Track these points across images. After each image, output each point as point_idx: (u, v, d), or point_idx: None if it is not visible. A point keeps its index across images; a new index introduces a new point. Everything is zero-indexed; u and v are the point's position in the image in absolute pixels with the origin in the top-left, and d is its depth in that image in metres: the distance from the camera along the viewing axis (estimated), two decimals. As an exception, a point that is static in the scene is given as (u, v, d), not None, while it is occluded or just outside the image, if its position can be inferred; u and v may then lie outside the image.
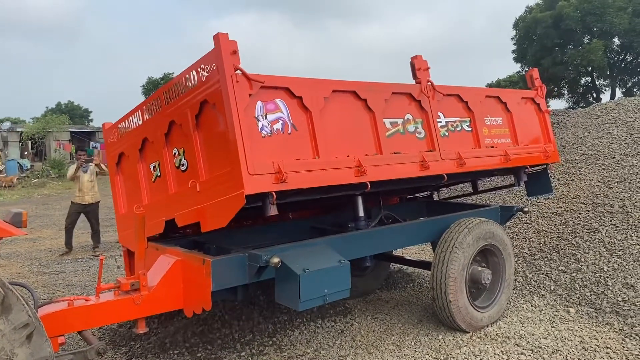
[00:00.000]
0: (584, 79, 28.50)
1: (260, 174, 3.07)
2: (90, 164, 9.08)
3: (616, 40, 25.48)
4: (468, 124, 4.58)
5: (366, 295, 5.76)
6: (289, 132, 3.33)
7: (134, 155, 4.17)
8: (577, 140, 9.16)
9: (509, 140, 4.93)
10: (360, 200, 4.82)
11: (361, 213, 4.82)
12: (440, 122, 4.32)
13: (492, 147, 4.70)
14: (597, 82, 28.60)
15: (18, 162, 30.32)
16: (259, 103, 3.21)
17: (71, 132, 36.37)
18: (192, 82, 3.36)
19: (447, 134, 4.35)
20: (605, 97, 28.98)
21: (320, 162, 3.39)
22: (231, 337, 4.57)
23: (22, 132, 33.55)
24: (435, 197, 6.66)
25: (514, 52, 27.93)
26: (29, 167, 31.04)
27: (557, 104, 38.28)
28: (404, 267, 6.60)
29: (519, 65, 28.67)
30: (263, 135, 3.19)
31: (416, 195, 6.60)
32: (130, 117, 4.19)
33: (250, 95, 3.14)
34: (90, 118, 62.19)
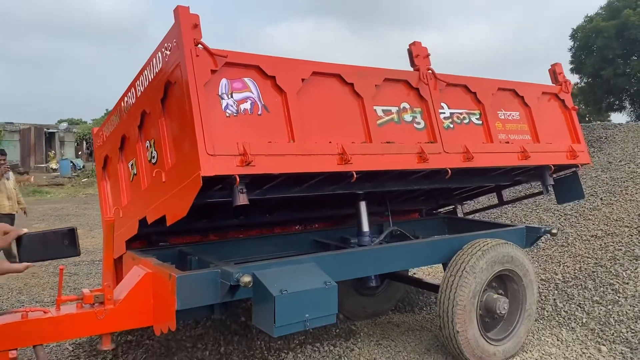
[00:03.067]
0: (648, 92, 26.92)
1: (221, 155, 2.77)
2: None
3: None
4: (478, 116, 4.16)
5: (376, 317, 5.26)
6: (259, 113, 3.03)
7: (116, 156, 3.97)
8: (625, 157, 8.47)
9: (528, 137, 4.45)
10: (363, 209, 4.43)
11: (365, 227, 4.42)
12: (444, 113, 3.93)
13: (507, 142, 4.24)
14: None
15: (71, 162, 31.34)
16: (224, 80, 2.94)
17: None
18: (158, 64, 3.15)
19: (452, 125, 3.94)
20: None
21: (295, 147, 3.06)
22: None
23: (77, 133, 35.00)
24: (460, 213, 6.17)
25: (571, 63, 26.77)
26: (81, 166, 31.97)
27: (618, 118, 36.29)
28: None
29: (577, 77, 27.40)
30: (227, 114, 2.90)
31: (439, 210, 6.14)
32: (112, 116, 4.02)
33: (213, 71, 2.88)
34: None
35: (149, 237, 4.07)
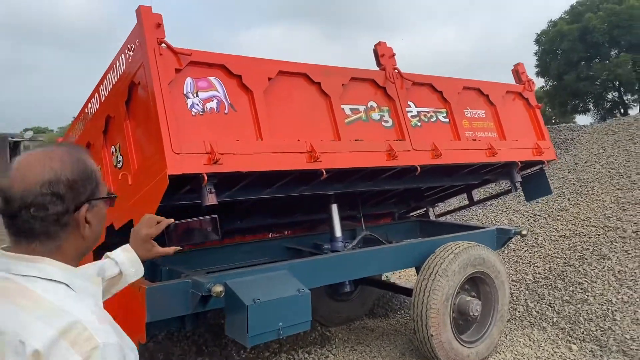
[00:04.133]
0: (611, 94, 27.63)
1: (188, 154, 2.73)
2: None
3: (645, 54, 24.79)
4: (445, 115, 4.21)
5: (351, 322, 5.23)
6: (225, 111, 3.01)
7: (80, 164, 3.88)
8: (591, 158, 8.68)
9: (494, 134, 4.52)
10: (336, 212, 4.41)
11: (338, 233, 4.40)
12: (411, 111, 3.96)
13: (475, 140, 4.30)
14: (624, 97, 27.70)
15: None
16: (189, 79, 2.91)
17: None
18: (122, 66, 3.10)
19: (419, 124, 3.98)
20: (634, 112, 27.98)
21: (264, 145, 3.04)
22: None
23: (42, 141, 33.96)
24: (432, 216, 6.21)
25: (536, 66, 27.38)
26: None
27: (583, 120, 37.20)
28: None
29: (542, 80, 28.02)
30: (193, 113, 2.87)
31: (411, 213, 6.17)
32: (76, 124, 3.94)
33: (177, 70, 2.85)
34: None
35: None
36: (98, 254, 3.57)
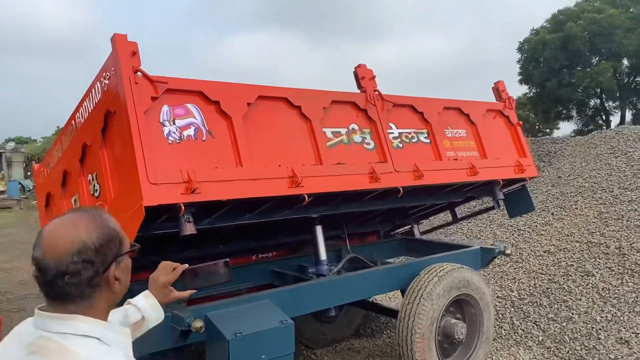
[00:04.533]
0: (592, 101, 28.10)
1: (165, 184, 2.68)
2: None
3: (625, 62, 25.18)
4: (426, 135, 4.21)
5: (337, 343, 5.17)
6: (203, 138, 2.96)
7: (58, 192, 3.80)
8: (574, 171, 8.74)
9: (475, 153, 4.53)
10: (320, 234, 4.36)
11: (323, 256, 4.35)
12: (392, 133, 3.95)
13: (456, 159, 4.30)
14: (606, 104, 28.17)
15: (20, 183, 29.31)
16: (165, 107, 2.87)
17: None
18: (97, 94, 3.05)
19: (401, 145, 3.97)
20: (615, 119, 28.46)
21: (244, 172, 3.00)
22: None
23: (25, 153, 33.04)
24: (417, 232, 6.19)
25: (519, 74, 27.77)
26: (31, 188, 29.91)
27: (566, 127, 37.85)
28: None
29: (526, 87, 28.42)
30: (170, 141, 2.82)
31: (396, 231, 6.14)
32: (54, 151, 3.87)
33: (154, 98, 2.81)
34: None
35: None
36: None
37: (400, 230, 6.15)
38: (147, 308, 1.83)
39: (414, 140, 4.09)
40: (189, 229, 2.80)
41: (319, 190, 3.29)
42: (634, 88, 26.66)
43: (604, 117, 28.86)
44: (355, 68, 3.98)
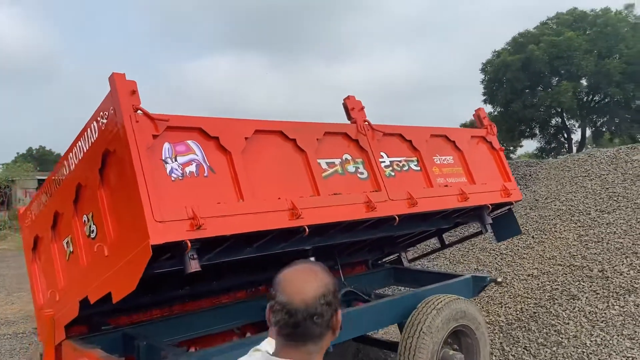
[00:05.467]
0: (554, 119, 29.18)
1: (170, 221, 2.65)
2: None
3: (584, 82, 26.32)
4: (416, 163, 4.28)
5: (331, 376, 5.08)
6: (205, 174, 2.96)
7: (48, 235, 3.71)
8: (550, 194, 8.91)
9: (464, 179, 4.62)
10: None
11: None
12: (384, 161, 4.01)
13: (446, 186, 4.38)
14: (567, 123, 29.28)
15: None
16: (167, 145, 2.86)
17: (39, 180, 34.85)
18: (94, 134, 3.02)
19: (393, 173, 4.02)
20: (576, 136, 29.70)
21: (245, 206, 3.00)
22: None
23: None
24: (405, 260, 6.22)
25: (484, 94, 28.66)
26: None
27: (530, 144, 39.12)
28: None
29: (490, 107, 29.32)
30: (173, 178, 2.81)
31: (384, 260, 6.16)
32: (42, 194, 3.79)
33: (154, 136, 2.80)
34: (63, 165, 59.53)
35: (90, 320, 3.77)
36: (70, 328, 3.37)
37: (388, 258, 6.18)
38: None
39: (405, 169, 4.15)
40: (194, 266, 2.77)
41: (318, 222, 3.31)
42: (592, 107, 27.79)
43: (565, 135, 29.92)
44: (345, 100, 4.06)
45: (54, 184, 3.58)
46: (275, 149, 3.39)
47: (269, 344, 1.80)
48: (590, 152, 9.28)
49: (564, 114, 28.14)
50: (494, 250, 8.10)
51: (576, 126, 29.76)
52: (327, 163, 3.62)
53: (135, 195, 2.62)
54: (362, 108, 4.05)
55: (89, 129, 3.06)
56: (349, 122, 4.00)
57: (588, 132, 29.51)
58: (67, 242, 3.46)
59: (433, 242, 7.05)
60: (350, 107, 4.00)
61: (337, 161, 3.70)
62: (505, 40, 29.34)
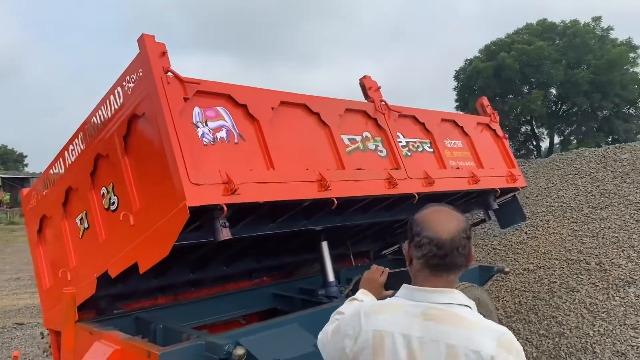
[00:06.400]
0: (524, 127, 29.79)
1: (205, 184, 2.56)
2: None
3: (553, 91, 27.01)
4: (429, 145, 4.28)
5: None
6: (235, 141, 2.87)
7: (58, 213, 3.55)
8: (541, 192, 8.99)
9: (472, 163, 4.64)
10: (326, 252, 4.27)
11: (331, 277, 4.24)
12: (401, 142, 3.99)
13: (458, 168, 4.38)
14: (536, 131, 29.95)
15: None
16: (197, 109, 2.77)
17: (2, 179, 33.82)
18: (118, 101, 2.91)
19: (409, 154, 4.00)
20: (545, 144, 30.42)
21: (276, 175, 2.92)
22: None
23: None
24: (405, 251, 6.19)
25: (456, 101, 29.07)
26: None
27: None
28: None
29: (462, 113, 29.74)
30: (205, 143, 2.71)
31: (385, 251, 6.12)
32: (51, 170, 3.63)
33: (185, 99, 2.71)
34: (25, 163, 58.20)
35: (97, 305, 3.61)
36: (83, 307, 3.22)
37: (388, 250, 6.14)
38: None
39: (419, 150, 4.14)
40: (225, 234, 2.67)
41: (345, 194, 3.25)
42: (561, 115, 28.53)
43: (534, 142, 30.62)
44: (361, 79, 4.03)
45: (66, 160, 3.44)
46: (300, 122, 3.33)
47: (363, 294, 2.05)
48: (579, 151, 9.42)
49: (534, 122, 28.81)
50: (486, 246, 8.15)
51: (545, 134, 30.53)
52: (349, 139, 3.57)
53: (170, 158, 2.52)
54: (379, 88, 4.03)
55: (112, 95, 2.95)
56: (365, 101, 3.97)
57: (556, 140, 30.32)
58: (82, 219, 3.31)
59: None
60: (368, 86, 3.98)
61: (358, 138, 3.66)
62: (478, 48, 30.02)
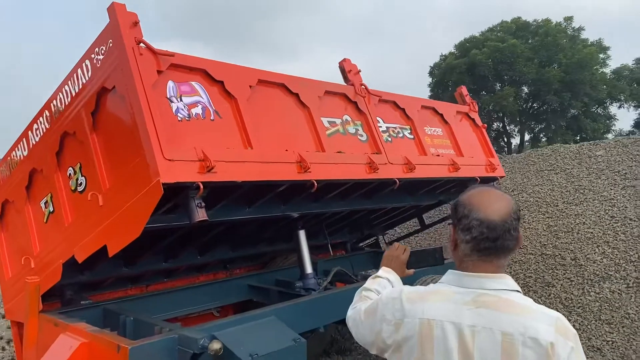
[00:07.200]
0: (495, 124, 30.10)
1: (180, 161, 2.41)
2: None
3: (525, 89, 27.33)
4: (409, 131, 4.20)
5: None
6: (211, 118, 2.74)
7: (21, 197, 3.35)
8: (516, 187, 9.05)
9: (452, 151, 4.58)
10: (304, 242, 4.14)
11: (309, 269, 4.12)
12: (381, 127, 3.90)
13: (438, 155, 4.32)
14: (508, 127, 30.31)
15: None
16: (171, 83, 2.63)
17: None
18: (86, 74, 2.74)
19: (389, 139, 3.92)
20: (515, 141, 30.71)
21: (255, 154, 2.79)
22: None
23: None
24: (383, 244, 6.13)
25: (430, 97, 29.22)
26: None
27: None
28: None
29: None
30: (179, 118, 2.57)
31: (362, 243, 6.04)
32: (13, 152, 3.43)
33: (159, 72, 2.56)
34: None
35: (63, 295, 3.42)
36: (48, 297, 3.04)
37: (365, 242, 6.07)
38: (395, 281, 1.96)
39: (400, 135, 4.06)
40: (202, 214, 2.53)
41: (324, 177, 3.14)
42: (532, 113, 28.95)
43: (505, 138, 31.02)
44: (340, 62, 3.93)
45: (30, 140, 3.24)
46: (278, 102, 3.21)
47: (386, 272, 2.00)
48: (555, 147, 9.52)
49: (505, 119, 29.18)
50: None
51: (515, 131, 30.93)
52: (328, 122, 3.47)
53: (142, 132, 2.37)
54: (359, 72, 3.94)
55: (79, 69, 2.78)
56: (345, 84, 3.87)
57: (527, 137, 30.76)
58: (46, 202, 3.12)
59: (410, 225, 7.02)
60: (347, 69, 3.88)
61: (338, 121, 3.56)
62: (453, 44, 30.21)
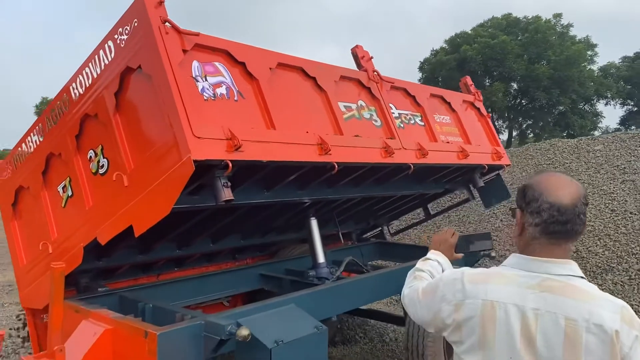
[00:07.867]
0: (485, 120, 30.47)
1: (208, 138, 2.42)
2: None
3: (514, 85, 27.60)
4: (420, 118, 4.23)
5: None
6: (235, 99, 2.74)
7: (37, 182, 3.32)
8: (515, 181, 9.14)
9: (460, 139, 4.63)
10: (316, 230, 4.15)
11: (321, 258, 4.12)
12: (394, 113, 3.93)
13: (448, 142, 4.35)
14: (496, 123, 30.56)
15: None
16: (196, 62, 2.62)
17: None
18: (109, 55, 2.73)
19: (402, 125, 3.95)
20: (503, 137, 30.98)
21: (278, 135, 2.80)
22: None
23: None
24: (388, 234, 6.16)
25: None
26: None
27: None
28: (356, 317, 5.76)
29: None
30: (205, 97, 2.57)
31: (367, 234, 6.06)
32: (28, 138, 3.40)
33: (184, 51, 2.56)
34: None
35: (78, 282, 3.40)
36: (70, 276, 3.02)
37: (371, 233, 6.08)
38: (445, 264, 2.00)
39: (411, 122, 4.09)
40: (227, 194, 2.53)
41: (344, 160, 3.15)
42: (520, 109, 29.22)
43: (493, 134, 31.32)
44: (353, 49, 3.95)
45: (46, 125, 3.22)
46: (296, 85, 3.22)
47: (435, 255, 2.03)
48: (552, 141, 9.61)
49: (493, 114, 29.44)
50: (461, 232, 8.13)
51: (504, 127, 31.20)
52: (344, 106, 3.48)
53: (171, 110, 2.37)
54: (371, 58, 3.96)
55: (101, 50, 2.76)
56: (358, 70, 3.89)
57: (514, 133, 31.04)
58: (65, 186, 3.10)
59: (415, 215, 7.05)
60: (360, 55, 3.90)
61: (354, 106, 3.58)
62: (443, 39, 30.45)
